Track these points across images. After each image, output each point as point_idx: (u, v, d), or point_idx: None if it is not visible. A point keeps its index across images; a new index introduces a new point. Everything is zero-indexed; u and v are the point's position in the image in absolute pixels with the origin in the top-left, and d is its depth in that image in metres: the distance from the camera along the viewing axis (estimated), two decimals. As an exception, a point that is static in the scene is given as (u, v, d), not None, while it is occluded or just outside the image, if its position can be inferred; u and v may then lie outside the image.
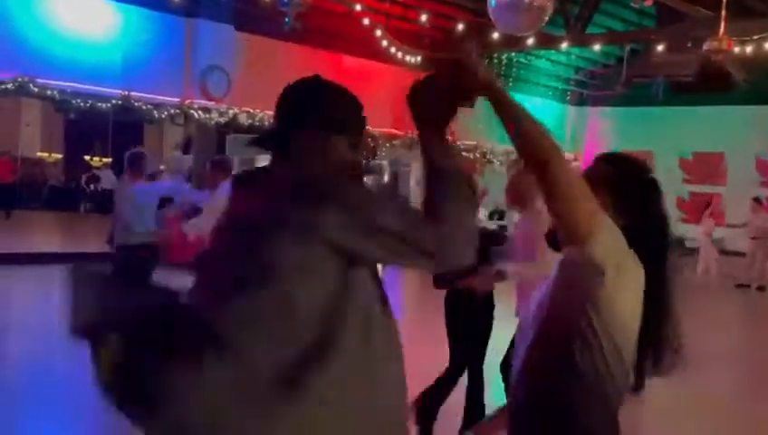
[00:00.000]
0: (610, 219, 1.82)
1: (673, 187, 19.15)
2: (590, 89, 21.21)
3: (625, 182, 1.97)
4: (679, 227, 18.02)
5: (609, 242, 1.79)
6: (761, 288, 14.36)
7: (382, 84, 16.86)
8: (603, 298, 1.81)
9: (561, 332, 1.87)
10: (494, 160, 19.22)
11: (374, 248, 1.59)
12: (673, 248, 2.00)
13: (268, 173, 1.78)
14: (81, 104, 12.57)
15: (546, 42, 16.02)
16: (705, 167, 19.54)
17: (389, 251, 1.60)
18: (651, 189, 2.01)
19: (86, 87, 12.54)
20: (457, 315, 4.59)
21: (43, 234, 16.37)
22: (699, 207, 18.32)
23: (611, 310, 1.82)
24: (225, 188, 6.58)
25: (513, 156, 19.57)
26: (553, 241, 1.94)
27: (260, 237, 1.58)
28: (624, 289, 1.84)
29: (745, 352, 9.05)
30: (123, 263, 6.30)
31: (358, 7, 13.99)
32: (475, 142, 18.56)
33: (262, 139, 1.92)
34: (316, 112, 1.78)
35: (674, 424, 5.83)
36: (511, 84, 19.76)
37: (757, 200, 15.14)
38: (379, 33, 15.05)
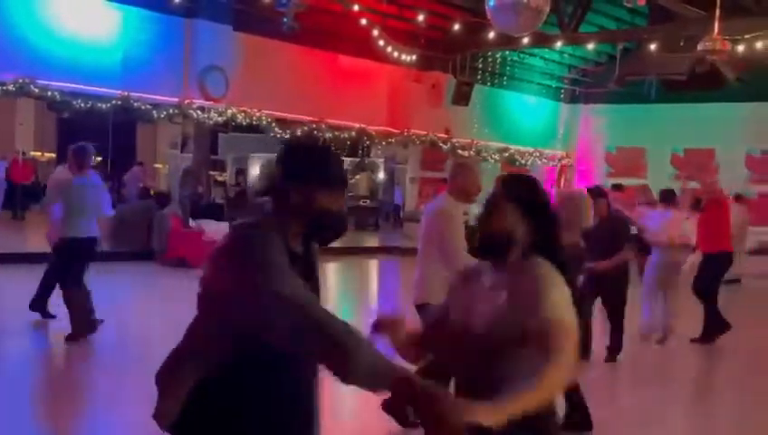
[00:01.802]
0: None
1: (664, 183, 19.36)
2: (583, 87, 21.39)
3: (528, 206, 2.24)
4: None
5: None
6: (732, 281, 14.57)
7: (378, 83, 17.02)
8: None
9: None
10: (489, 158, 19.38)
11: None
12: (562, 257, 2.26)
13: None
14: (82, 105, 12.61)
15: (540, 40, 16.18)
16: (696, 163, 19.77)
17: None
18: (545, 210, 2.27)
19: (86, 88, 12.59)
20: None
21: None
22: (689, 203, 18.53)
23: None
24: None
25: (507, 153, 19.77)
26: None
27: None
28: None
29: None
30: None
31: (355, 7, 14.11)
32: (470, 140, 18.72)
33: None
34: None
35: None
36: (505, 82, 19.94)
37: (738, 197, 15.36)
38: (375, 32, 15.17)
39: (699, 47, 10.59)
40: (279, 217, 2.05)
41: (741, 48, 12.72)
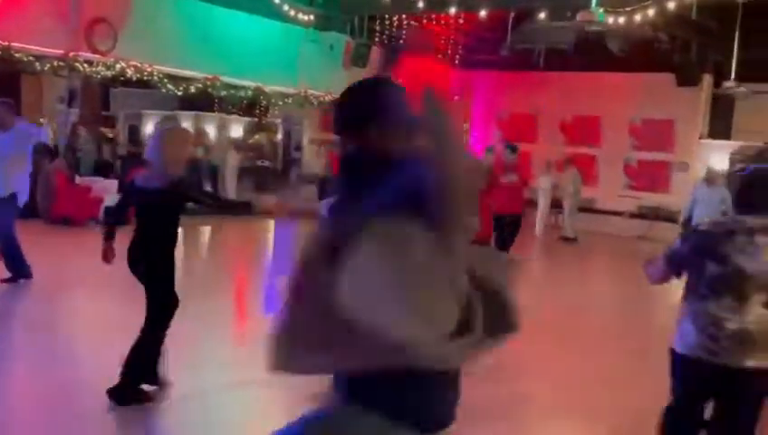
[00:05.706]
0: None
1: (553, 148, 20.17)
2: (476, 53, 21.79)
3: None
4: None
5: None
6: (566, 239, 16.46)
7: (274, 41, 16.85)
8: None
9: None
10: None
11: None
12: None
13: None
14: (-41, 54, 12.01)
15: (435, 5, 16.40)
16: (583, 130, 20.64)
17: None
18: None
19: (-36, 37, 12.00)
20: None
21: None
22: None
23: None
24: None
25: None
26: None
27: None
28: None
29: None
30: None
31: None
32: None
33: None
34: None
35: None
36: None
37: (568, 161, 17.47)
38: (271, -10, 15.02)
39: (578, 18, 11.06)
40: None
41: (621, 20, 13.30)
